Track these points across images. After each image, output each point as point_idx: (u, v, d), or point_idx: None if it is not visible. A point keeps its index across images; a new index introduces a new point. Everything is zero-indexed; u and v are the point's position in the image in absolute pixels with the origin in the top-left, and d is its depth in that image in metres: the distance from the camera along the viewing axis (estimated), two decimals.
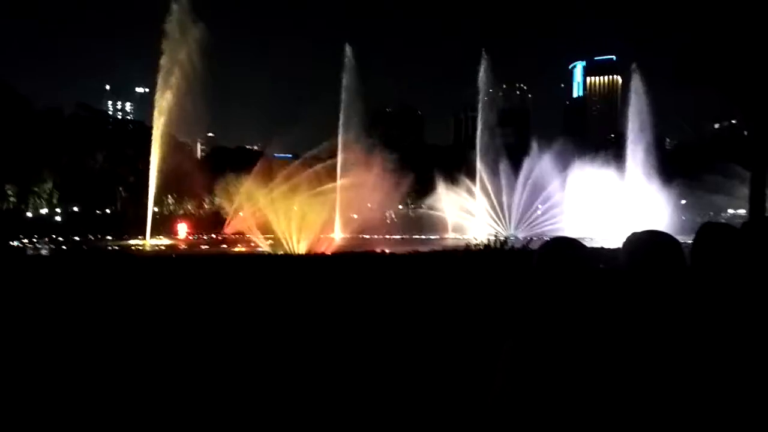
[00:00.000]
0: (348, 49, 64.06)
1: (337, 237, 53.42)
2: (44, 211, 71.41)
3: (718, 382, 2.05)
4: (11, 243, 37.96)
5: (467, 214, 66.38)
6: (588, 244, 2.85)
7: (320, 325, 7.92)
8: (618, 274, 2.36)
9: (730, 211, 77.62)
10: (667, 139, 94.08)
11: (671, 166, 65.18)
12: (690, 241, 2.63)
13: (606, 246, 21.63)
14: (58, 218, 64.86)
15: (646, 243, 2.36)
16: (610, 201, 61.90)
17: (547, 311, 2.29)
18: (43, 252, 34.08)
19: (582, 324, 2.23)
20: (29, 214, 68.70)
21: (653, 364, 2.09)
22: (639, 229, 2.48)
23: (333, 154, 63.79)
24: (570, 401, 2.11)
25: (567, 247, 2.44)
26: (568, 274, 2.33)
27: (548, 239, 2.56)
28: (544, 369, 2.16)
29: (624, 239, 2.45)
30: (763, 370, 2.07)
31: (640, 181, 62.93)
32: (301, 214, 40.72)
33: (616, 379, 2.10)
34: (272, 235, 39.75)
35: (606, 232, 52.84)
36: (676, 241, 2.34)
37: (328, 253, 24.13)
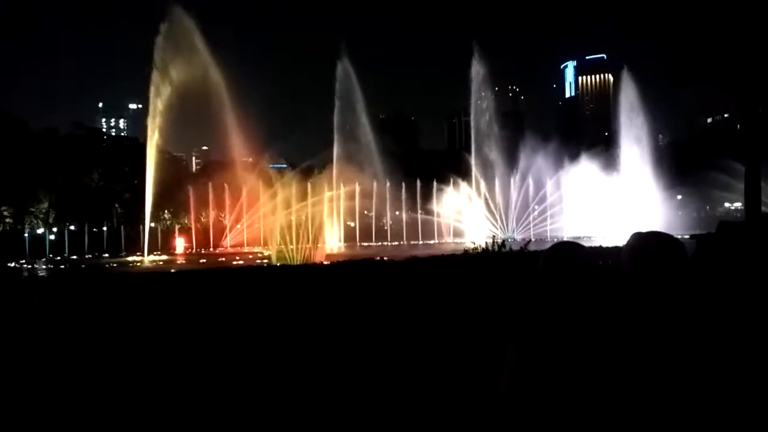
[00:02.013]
0: (339, 64, 64.19)
1: (335, 245, 53.46)
2: (41, 230, 71.24)
3: (724, 383, 2.05)
4: (8, 264, 37.85)
5: (465, 218, 66.47)
6: (586, 243, 2.87)
7: (322, 334, 7.91)
8: (621, 276, 2.36)
9: (726, 204, 77.86)
10: (660, 136, 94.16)
11: (665, 162, 65.31)
12: (687, 236, 2.64)
13: (604, 245, 21.71)
14: (52, 237, 64.73)
15: (650, 245, 2.34)
16: (606, 199, 62.04)
17: (553, 314, 2.31)
18: (41, 272, 33.97)
19: (587, 327, 2.24)
20: (26, 235, 68.54)
21: (659, 366, 2.09)
22: (641, 230, 2.47)
23: (328, 164, 63.91)
24: (576, 403, 2.11)
25: (572, 251, 2.47)
26: (573, 278, 2.35)
27: (553, 243, 2.58)
28: (550, 371, 2.16)
29: (626, 240, 2.44)
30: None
31: (634, 179, 63.08)
32: (299, 224, 40.72)
33: (622, 381, 2.10)
34: (271, 246, 39.74)
35: (603, 231, 53.01)
36: (680, 243, 2.34)
37: (327, 262, 24.10)
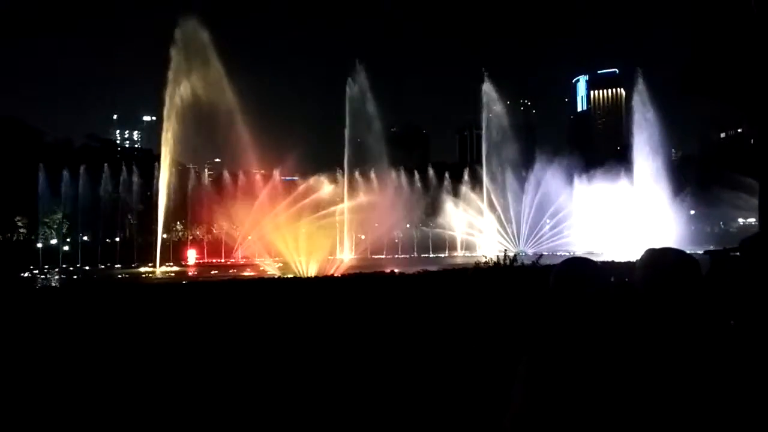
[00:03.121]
0: (351, 79, 64.44)
1: (346, 258, 53.46)
2: (54, 241, 71.79)
3: (742, 404, 2.02)
4: (22, 274, 38.15)
5: (476, 231, 66.31)
6: (598, 258, 2.84)
7: (333, 348, 7.89)
8: (634, 292, 2.32)
9: (740, 220, 77.16)
10: (673, 150, 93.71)
11: (679, 178, 64.85)
12: (701, 252, 2.61)
13: (616, 260, 21.55)
14: (66, 248, 65.23)
15: (664, 262, 2.31)
16: (619, 214, 61.61)
17: (565, 331, 2.28)
18: (54, 283, 34.18)
19: (600, 344, 2.21)
20: (39, 245, 69.12)
21: (673, 384, 2.06)
22: (655, 246, 2.44)
23: (339, 176, 64.10)
24: (589, 420, 2.08)
25: (583, 268, 2.44)
26: (584, 295, 2.32)
27: (564, 260, 2.54)
28: (562, 388, 2.14)
29: (641, 256, 2.40)
30: None
31: (647, 194, 62.61)
32: (309, 237, 40.76)
33: (635, 399, 2.07)
34: (281, 258, 39.79)
35: (615, 246, 52.59)
36: (695, 260, 2.30)
37: (338, 274, 24.08)
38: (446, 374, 6.56)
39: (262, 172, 69.17)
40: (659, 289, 2.24)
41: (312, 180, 64.84)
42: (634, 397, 2.07)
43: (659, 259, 2.33)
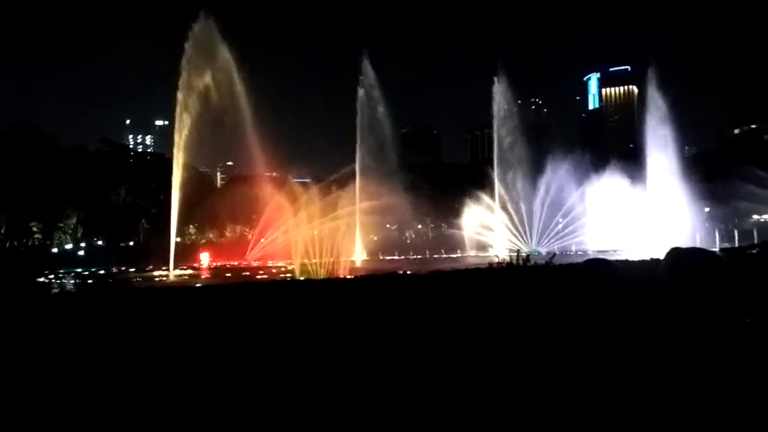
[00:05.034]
0: (362, 80, 64.52)
1: (359, 259, 53.53)
2: (69, 246, 72.48)
3: (759, 403, 2.00)
4: (37, 279, 38.50)
5: (488, 231, 66.13)
6: (612, 257, 2.82)
7: (346, 349, 7.91)
8: (654, 292, 2.29)
9: (755, 216, 76.44)
10: (686, 147, 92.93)
11: (692, 174, 64.35)
12: (716, 250, 2.59)
13: (630, 258, 21.37)
14: (81, 252, 65.81)
15: (693, 263, 2.25)
16: (632, 212, 61.20)
17: (585, 333, 2.26)
18: (69, 287, 34.47)
19: (621, 346, 2.19)
20: (54, 250, 69.79)
21: (696, 388, 2.04)
22: (677, 245, 2.39)
23: (351, 178, 64.17)
24: (609, 425, 2.07)
25: (602, 268, 2.40)
26: (604, 296, 2.29)
27: (584, 260, 2.51)
28: (582, 392, 2.12)
29: (666, 255, 2.36)
30: None
31: (661, 191, 62.18)
32: (322, 239, 40.83)
33: (657, 403, 2.06)
34: (294, 261, 39.87)
35: (629, 244, 52.26)
36: (725, 261, 2.25)
37: (350, 276, 24.12)
38: (460, 376, 6.55)
39: (275, 174, 69.40)
40: (689, 290, 2.20)
41: (324, 182, 65.05)
42: (659, 398, 2.05)
43: (687, 259, 2.29)
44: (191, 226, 78.30)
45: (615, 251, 48.55)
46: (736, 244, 53.56)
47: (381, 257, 60.34)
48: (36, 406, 6.39)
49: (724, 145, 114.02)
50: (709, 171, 69.81)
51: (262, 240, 60.81)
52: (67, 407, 6.37)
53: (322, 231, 45.25)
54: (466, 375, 6.53)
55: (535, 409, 2.20)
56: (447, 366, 6.91)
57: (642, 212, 60.71)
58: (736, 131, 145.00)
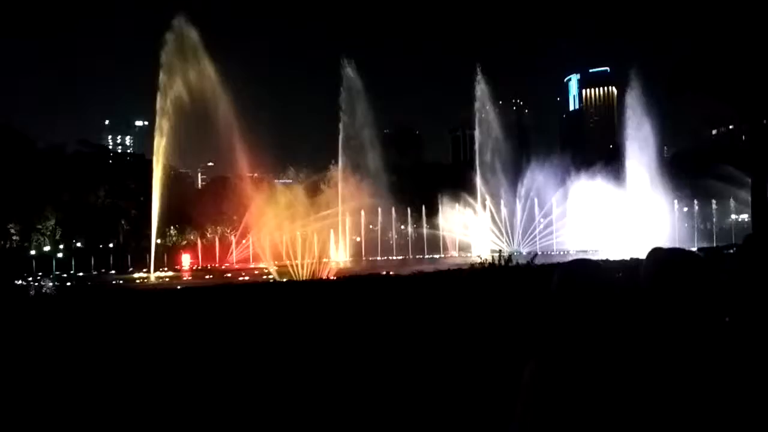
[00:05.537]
0: (344, 80, 64.38)
1: (341, 260, 53.41)
2: (47, 248, 71.46)
3: (753, 407, 2.00)
4: (15, 282, 37.90)
5: (470, 231, 66.39)
6: (592, 256, 2.81)
7: (328, 351, 7.87)
8: (635, 292, 2.29)
9: (733, 216, 77.49)
10: (665, 147, 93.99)
11: (671, 174, 65.14)
12: (695, 250, 2.61)
13: (611, 258, 21.54)
14: (59, 255, 64.91)
15: (674, 263, 2.27)
16: (612, 212, 61.79)
17: (570, 335, 2.25)
18: (47, 290, 33.95)
19: (606, 348, 2.18)
20: (32, 252, 68.76)
21: (682, 389, 2.04)
22: (658, 245, 2.40)
23: (333, 179, 64.11)
24: (595, 426, 2.06)
25: (586, 269, 2.39)
26: (589, 297, 2.27)
27: (568, 261, 2.49)
28: (568, 394, 2.11)
29: (648, 255, 2.36)
30: None
31: (640, 191, 62.84)
32: (305, 240, 40.75)
33: (642, 403, 2.05)
34: (276, 262, 39.74)
35: (609, 244, 52.74)
36: (706, 260, 2.27)
37: (332, 277, 24.06)
38: (444, 378, 6.55)
39: (256, 175, 69.06)
40: (670, 289, 2.20)
41: (306, 183, 64.84)
42: (644, 399, 2.05)
43: (668, 258, 2.30)
44: (172, 228, 77.58)
45: (596, 251, 48.97)
46: (714, 244, 54.28)
47: (364, 258, 60.28)
48: (13, 408, 6.29)
49: (702, 145, 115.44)
50: (688, 171, 70.70)
51: (244, 242, 60.53)
52: (45, 409, 6.28)
53: (304, 232, 45.15)
54: (449, 376, 6.53)
55: (522, 411, 2.18)
56: (429, 367, 6.91)
57: (622, 212, 61.29)
58: (714, 132, 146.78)
